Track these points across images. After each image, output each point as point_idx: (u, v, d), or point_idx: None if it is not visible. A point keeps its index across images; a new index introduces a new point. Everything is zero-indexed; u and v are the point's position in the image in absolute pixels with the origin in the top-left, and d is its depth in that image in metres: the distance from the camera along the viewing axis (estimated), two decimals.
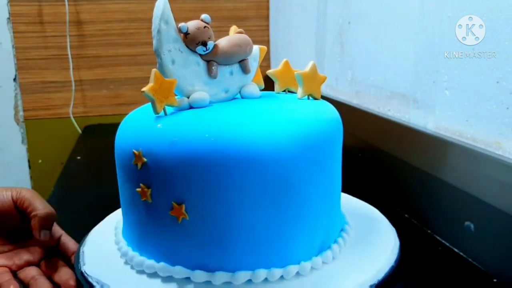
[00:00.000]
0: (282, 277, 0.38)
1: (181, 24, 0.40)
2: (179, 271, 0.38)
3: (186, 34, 0.40)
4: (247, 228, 0.37)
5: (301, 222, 0.38)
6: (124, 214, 0.44)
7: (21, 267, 0.44)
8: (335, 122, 0.43)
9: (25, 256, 0.45)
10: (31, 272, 0.44)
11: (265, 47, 0.47)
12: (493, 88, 0.51)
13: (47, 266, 0.45)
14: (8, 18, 1.25)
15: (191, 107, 0.41)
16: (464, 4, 0.54)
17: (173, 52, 0.40)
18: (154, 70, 0.38)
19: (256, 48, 0.46)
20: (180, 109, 0.41)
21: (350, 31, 0.86)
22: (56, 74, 1.30)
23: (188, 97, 0.41)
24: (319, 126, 0.40)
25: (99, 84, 1.34)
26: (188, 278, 0.38)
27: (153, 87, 0.38)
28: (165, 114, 0.40)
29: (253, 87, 0.45)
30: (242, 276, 0.37)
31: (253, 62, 0.45)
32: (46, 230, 0.44)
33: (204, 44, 0.40)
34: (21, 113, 1.31)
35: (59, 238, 0.47)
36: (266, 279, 0.37)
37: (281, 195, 0.37)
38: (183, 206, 0.37)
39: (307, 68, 0.44)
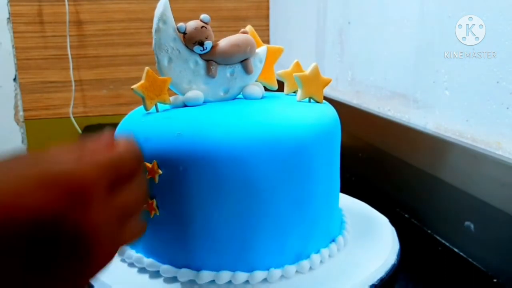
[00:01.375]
0: (247, 281, 0.37)
1: (180, 24, 0.40)
2: (151, 264, 0.39)
3: (184, 34, 0.41)
4: (210, 228, 0.37)
5: (266, 228, 0.37)
6: None
7: None
8: (319, 128, 0.39)
9: None
10: None
11: (281, 48, 0.47)
12: (493, 88, 0.51)
13: None
14: (8, 18, 1.25)
15: (185, 105, 0.42)
16: (464, 4, 0.54)
17: (171, 51, 0.41)
18: (146, 68, 0.39)
19: (263, 48, 0.45)
20: (175, 106, 0.42)
21: (350, 31, 0.86)
22: (56, 74, 1.30)
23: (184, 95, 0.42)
24: (296, 131, 0.37)
25: (99, 84, 1.34)
26: (158, 271, 0.39)
27: (143, 85, 0.39)
28: (157, 111, 0.41)
29: (254, 88, 0.45)
30: (206, 275, 0.37)
31: (258, 63, 0.45)
32: None
33: (201, 44, 0.40)
34: (21, 113, 1.31)
35: None
36: (230, 282, 0.37)
37: (244, 199, 0.36)
38: (154, 202, 0.38)
39: (308, 70, 0.44)
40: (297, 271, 0.38)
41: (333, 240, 0.43)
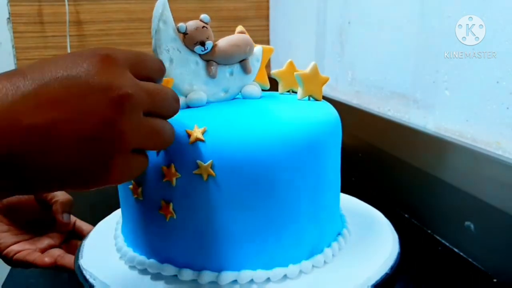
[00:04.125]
0: (269, 279, 0.38)
1: (180, 24, 0.40)
2: (168, 268, 0.39)
3: (184, 34, 0.40)
4: (229, 229, 0.37)
5: (285, 225, 0.38)
6: (121, 210, 0.45)
7: (44, 250, 0.49)
8: (327, 125, 0.41)
9: (46, 241, 0.49)
10: (56, 252, 0.48)
11: (271, 48, 0.47)
12: (493, 88, 0.51)
13: (67, 248, 0.50)
14: (8, 18, 1.25)
15: (188, 107, 0.41)
16: (464, 4, 0.54)
17: (171, 52, 0.40)
18: None
19: (259, 48, 0.45)
20: None
21: (350, 31, 0.86)
22: None
23: (186, 96, 0.41)
24: (304, 128, 0.38)
25: None
26: (176, 276, 0.38)
27: None
28: None
29: (254, 88, 0.45)
30: (228, 276, 0.37)
31: (255, 63, 0.45)
32: (66, 213, 0.49)
33: (202, 44, 0.40)
34: None
35: (74, 223, 0.52)
36: (252, 280, 0.37)
37: (260, 197, 0.36)
38: (171, 205, 0.37)
39: (307, 69, 0.44)
40: (313, 266, 0.39)
41: (340, 234, 0.44)
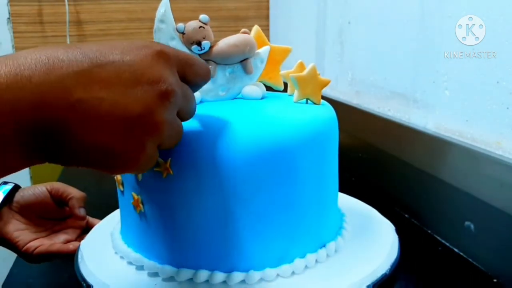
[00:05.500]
0: (225, 282, 0.37)
1: (179, 24, 0.41)
2: (137, 258, 0.40)
3: (183, 34, 0.41)
4: (188, 227, 0.37)
5: (245, 230, 0.37)
6: None
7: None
8: (305, 130, 0.38)
9: (63, 236, 0.53)
10: (75, 244, 0.50)
11: (289, 48, 0.46)
12: (493, 88, 0.51)
13: None
14: (8, 18, 1.25)
15: None
16: (464, 4, 0.54)
17: None
18: None
19: (265, 48, 0.45)
20: None
21: (350, 31, 0.86)
22: None
23: None
24: (278, 132, 0.37)
25: None
26: (142, 266, 0.39)
27: None
28: None
29: (253, 88, 0.45)
30: (184, 273, 0.37)
31: (259, 63, 0.45)
32: (82, 208, 0.53)
33: (199, 44, 0.41)
34: None
35: (87, 221, 0.55)
36: (207, 281, 0.37)
37: (223, 199, 0.36)
38: (139, 198, 0.38)
39: (305, 71, 0.43)
40: (278, 275, 0.38)
41: (324, 246, 0.41)
